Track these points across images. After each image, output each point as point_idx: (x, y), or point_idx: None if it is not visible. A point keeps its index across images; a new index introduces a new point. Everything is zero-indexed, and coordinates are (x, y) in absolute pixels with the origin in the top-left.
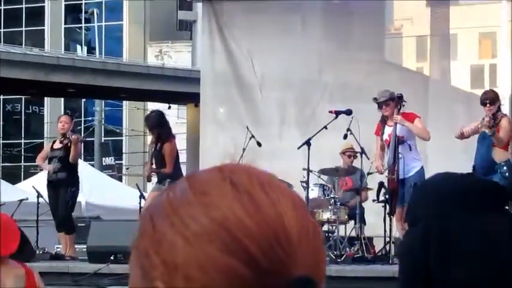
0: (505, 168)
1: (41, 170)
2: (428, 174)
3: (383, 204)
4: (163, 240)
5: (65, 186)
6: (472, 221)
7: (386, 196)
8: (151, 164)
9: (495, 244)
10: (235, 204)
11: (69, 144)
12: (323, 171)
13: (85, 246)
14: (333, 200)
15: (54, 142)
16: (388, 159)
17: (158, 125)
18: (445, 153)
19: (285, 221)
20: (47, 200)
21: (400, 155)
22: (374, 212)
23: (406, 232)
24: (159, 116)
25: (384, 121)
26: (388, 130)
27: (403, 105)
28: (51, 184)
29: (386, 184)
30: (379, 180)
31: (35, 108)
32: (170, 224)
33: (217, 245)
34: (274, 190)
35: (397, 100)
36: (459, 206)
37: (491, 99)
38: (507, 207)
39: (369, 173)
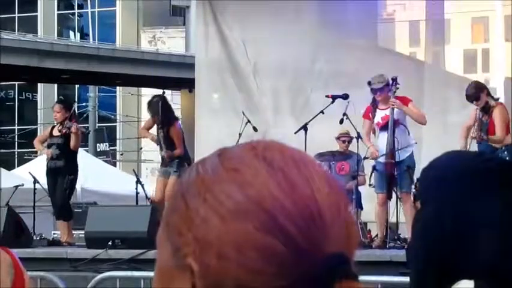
0: (505, 153)
1: (36, 155)
2: (423, 158)
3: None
4: (196, 217)
5: (63, 173)
6: (481, 203)
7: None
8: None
9: (505, 227)
10: (269, 182)
11: (67, 132)
12: (319, 156)
13: (82, 232)
14: None
15: (53, 128)
16: (388, 143)
17: (159, 112)
18: (439, 137)
19: (318, 198)
20: (44, 186)
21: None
22: (371, 197)
23: (417, 212)
24: (160, 102)
25: (374, 104)
26: (380, 113)
27: (398, 88)
28: (50, 171)
29: (383, 168)
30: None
31: (28, 95)
32: (203, 200)
33: (253, 223)
34: (307, 167)
35: (391, 83)
36: (477, 186)
37: (472, 97)
38: None
39: (365, 158)
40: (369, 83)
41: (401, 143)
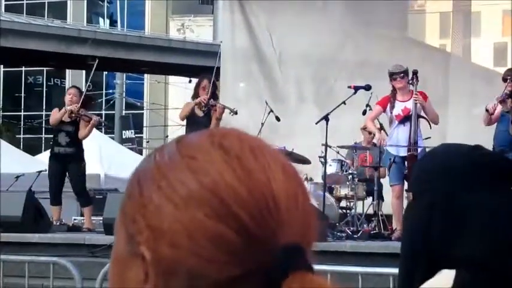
0: None
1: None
2: None
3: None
4: (150, 204)
5: (74, 161)
6: (478, 196)
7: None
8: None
9: (501, 220)
10: (224, 169)
11: (78, 119)
12: (342, 147)
13: (101, 218)
14: (350, 176)
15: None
16: (411, 137)
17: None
18: (464, 129)
19: (274, 187)
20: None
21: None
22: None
23: (409, 204)
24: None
25: (394, 95)
26: (400, 105)
27: (418, 83)
28: (58, 156)
29: (402, 160)
30: None
31: (57, 81)
32: (157, 188)
33: (206, 211)
34: (265, 155)
35: (412, 76)
36: (465, 180)
37: (508, 76)
38: None
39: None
40: (389, 73)
41: (420, 136)
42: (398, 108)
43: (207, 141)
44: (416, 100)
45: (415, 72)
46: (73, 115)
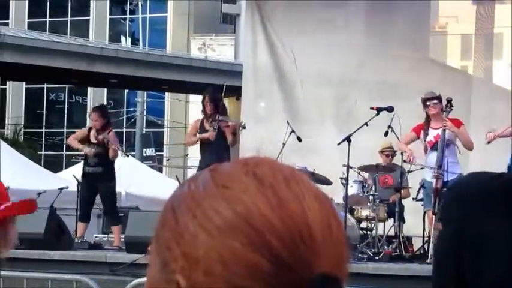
0: None
1: (83, 158)
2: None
3: (422, 203)
4: (185, 232)
5: (103, 180)
6: (503, 222)
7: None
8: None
9: None
10: (259, 199)
11: (105, 142)
12: (363, 168)
13: (123, 236)
14: (371, 197)
15: (90, 130)
16: (437, 161)
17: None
18: (486, 152)
19: (308, 217)
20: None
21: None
22: (414, 211)
23: (439, 232)
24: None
25: (428, 122)
26: (433, 132)
27: (452, 110)
28: (88, 176)
29: (430, 185)
30: (420, 178)
31: (78, 98)
32: (192, 216)
33: (240, 239)
34: (299, 185)
35: (446, 103)
36: (491, 207)
37: None
38: None
39: (409, 171)
40: (422, 100)
41: (449, 163)
42: (431, 135)
43: (241, 171)
44: (445, 125)
45: (449, 100)
46: (99, 137)
